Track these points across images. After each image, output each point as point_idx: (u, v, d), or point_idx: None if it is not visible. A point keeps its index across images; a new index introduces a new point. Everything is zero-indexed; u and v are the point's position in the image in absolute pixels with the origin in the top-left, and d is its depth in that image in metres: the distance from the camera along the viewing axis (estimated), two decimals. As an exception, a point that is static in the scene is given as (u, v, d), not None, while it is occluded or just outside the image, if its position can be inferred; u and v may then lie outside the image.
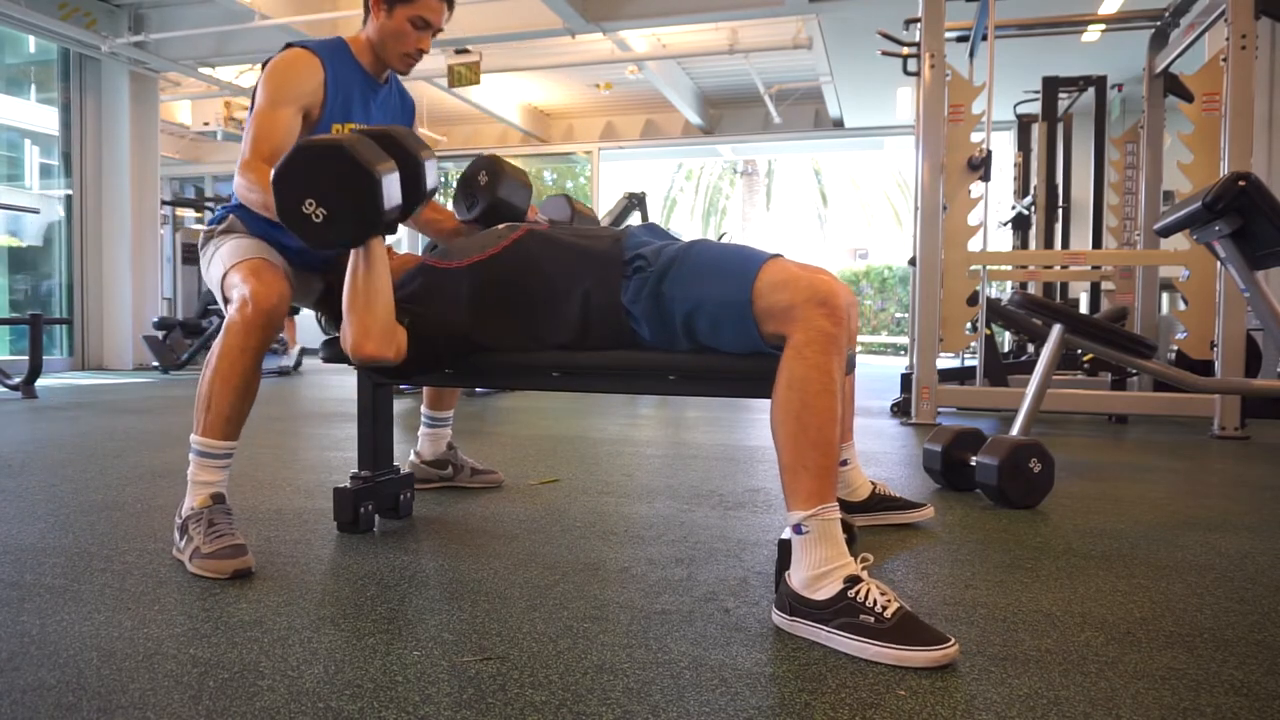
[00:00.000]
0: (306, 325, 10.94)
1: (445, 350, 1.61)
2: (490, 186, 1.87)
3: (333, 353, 1.77)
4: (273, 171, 1.41)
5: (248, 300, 1.60)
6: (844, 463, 1.84)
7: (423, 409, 2.25)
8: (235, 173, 1.67)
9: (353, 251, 1.49)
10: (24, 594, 1.38)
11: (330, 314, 1.78)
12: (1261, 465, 2.86)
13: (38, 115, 7.87)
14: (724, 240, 7.31)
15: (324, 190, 1.38)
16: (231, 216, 1.82)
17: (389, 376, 1.80)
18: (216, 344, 1.62)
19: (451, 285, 1.58)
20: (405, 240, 9.62)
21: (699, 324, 1.38)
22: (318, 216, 1.39)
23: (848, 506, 1.82)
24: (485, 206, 1.87)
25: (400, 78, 1.97)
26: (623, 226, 2.61)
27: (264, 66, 1.76)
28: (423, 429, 2.25)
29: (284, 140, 1.69)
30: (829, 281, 1.29)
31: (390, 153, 1.45)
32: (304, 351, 7.23)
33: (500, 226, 1.68)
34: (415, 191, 1.50)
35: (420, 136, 1.57)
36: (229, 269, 1.69)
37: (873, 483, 1.90)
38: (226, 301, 1.69)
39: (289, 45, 1.78)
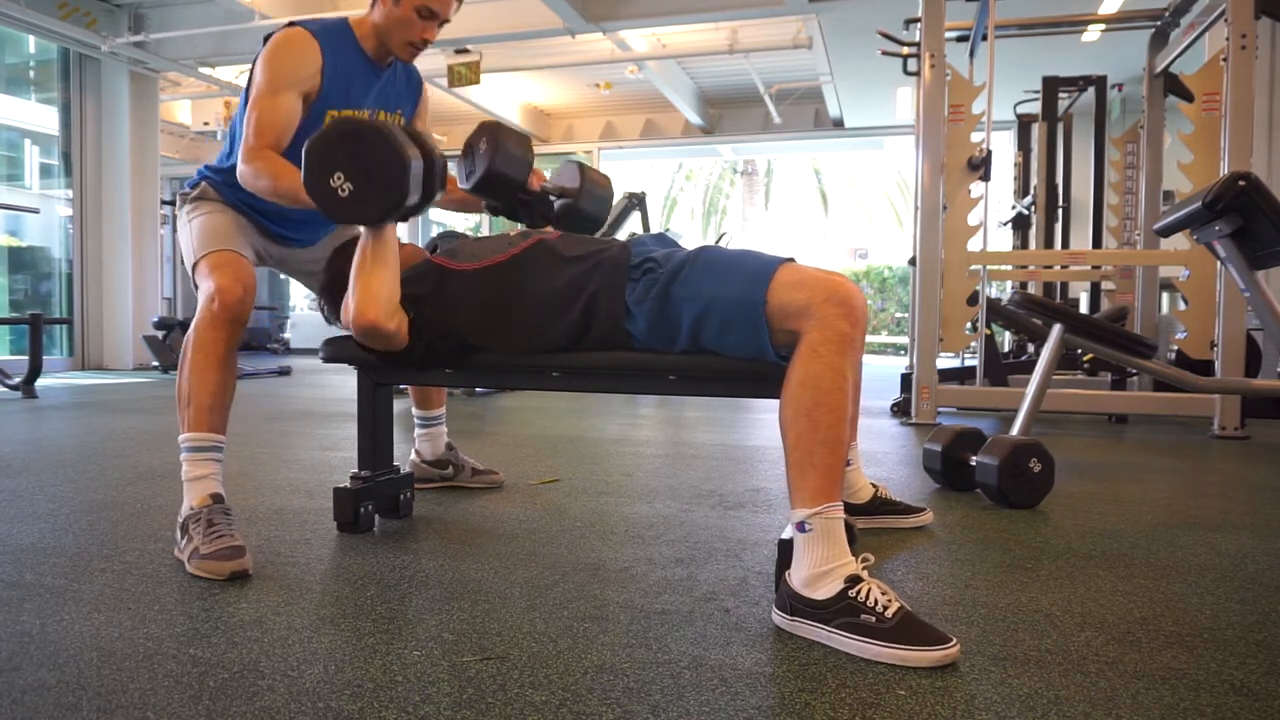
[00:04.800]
0: (304, 325, 10.93)
1: (444, 350, 1.61)
2: (488, 156, 1.82)
3: (332, 352, 1.77)
4: (308, 140, 1.45)
5: (214, 296, 1.65)
6: (847, 463, 1.84)
7: (413, 411, 2.25)
8: (239, 160, 1.67)
9: (364, 229, 1.55)
10: (24, 594, 1.38)
11: (332, 304, 1.78)
12: (1261, 465, 2.86)
13: (38, 115, 7.87)
14: (724, 240, 7.32)
15: (355, 167, 1.43)
16: (204, 183, 1.83)
17: (389, 376, 1.80)
18: (188, 340, 1.65)
19: (458, 287, 1.59)
20: (405, 228, 9.61)
21: (707, 325, 1.37)
22: (344, 191, 1.44)
23: (849, 508, 1.81)
24: (482, 176, 1.84)
25: None
26: (629, 234, 2.56)
27: (265, 41, 1.75)
28: (417, 430, 2.25)
29: (287, 127, 1.69)
30: (845, 283, 1.30)
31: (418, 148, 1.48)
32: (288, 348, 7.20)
33: (512, 233, 1.68)
34: (429, 191, 1.53)
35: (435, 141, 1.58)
36: (198, 258, 1.73)
37: (874, 485, 1.90)
38: (196, 287, 1.74)
39: (291, 23, 1.77)
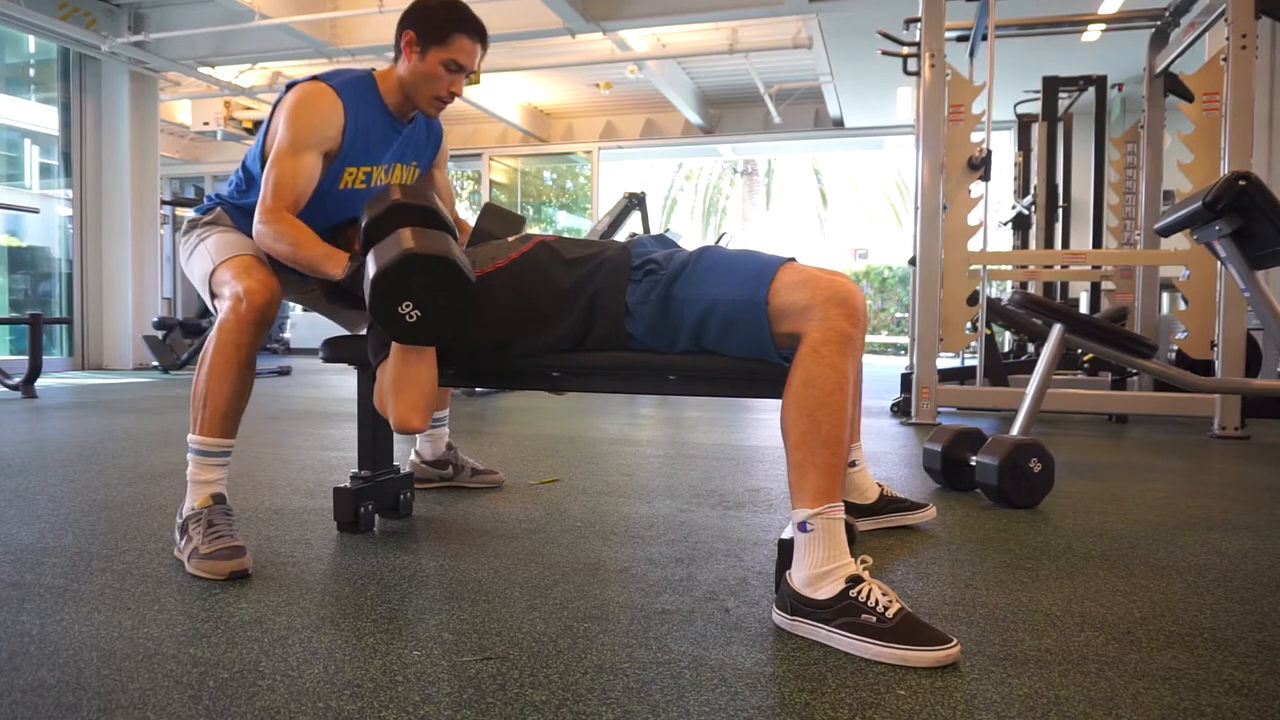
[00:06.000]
0: (304, 325, 10.93)
1: (447, 351, 1.61)
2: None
3: (332, 353, 1.77)
4: (375, 269, 1.39)
5: (241, 297, 1.60)
6: (852, 464, 1.84)
7: None
8: (256, 219, 1.64)
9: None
10: (24, 594, 1.38)
11: (338, 297, 1.77)
12: (1261, 465, 2.86)
13: (38, 115, 7.87)
14: (724, 240, 7.32)
15: (426, 295, 1.40)
16: (219, 209, 1.81)
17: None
18: (210, 340, 1.62)
19: None
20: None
21: (710, 326, 1.38)
22: (411, 317, 1.41)
23: (858, 509, 1.82)
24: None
25: None
26: (630, 235, 2.55)
27: (287, 89, 1.72)
28: None
29: (306, 188, 1.67)
30: (846, 283, 1.30)
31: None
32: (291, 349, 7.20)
33: (511, 239, 1.68)
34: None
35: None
36: (218, 265, 1.69)
37: (879, 484, 1.90)
38: (214, 297, 1.69)
39: (314, 78, 1.72)
